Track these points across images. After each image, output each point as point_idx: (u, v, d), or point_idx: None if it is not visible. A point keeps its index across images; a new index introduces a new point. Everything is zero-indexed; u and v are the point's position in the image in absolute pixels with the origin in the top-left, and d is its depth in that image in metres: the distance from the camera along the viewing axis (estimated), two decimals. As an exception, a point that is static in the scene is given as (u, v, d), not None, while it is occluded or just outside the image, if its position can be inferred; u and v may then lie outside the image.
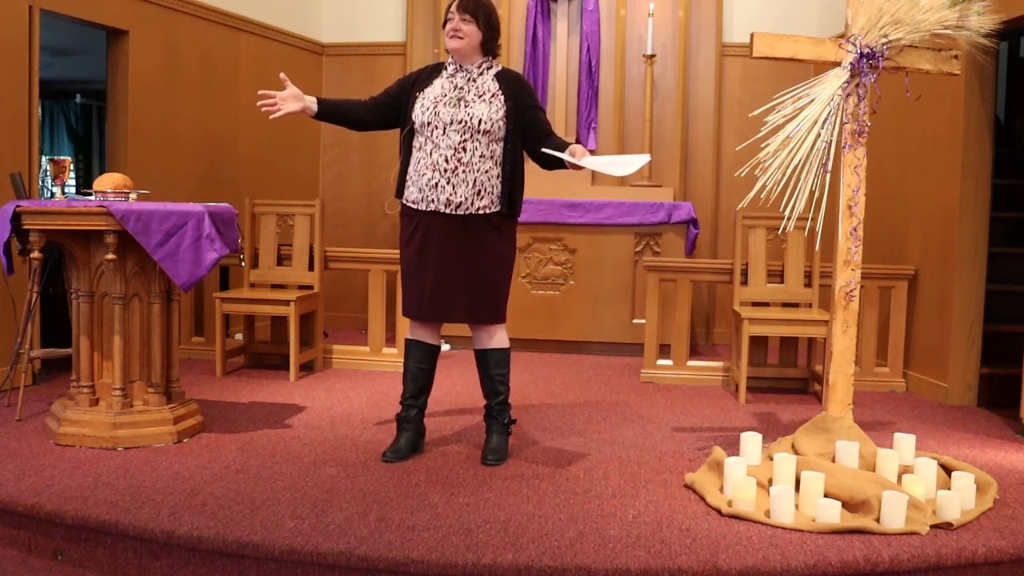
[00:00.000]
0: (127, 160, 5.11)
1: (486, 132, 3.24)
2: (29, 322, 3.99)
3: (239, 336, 5.45)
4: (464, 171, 3.23)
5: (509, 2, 6.43)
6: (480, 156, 3.25)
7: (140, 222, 3.31)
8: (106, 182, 3.61)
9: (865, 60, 3.11)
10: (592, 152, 6.32)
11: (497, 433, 3.42)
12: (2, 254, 3.37)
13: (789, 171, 3.05)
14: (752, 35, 3.13)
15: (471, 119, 3.23)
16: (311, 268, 5.18)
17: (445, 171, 3.23)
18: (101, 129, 10.06)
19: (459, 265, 3.27)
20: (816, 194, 3.08)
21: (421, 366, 3.44)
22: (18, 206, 3.37)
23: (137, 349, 3.58)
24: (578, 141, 6.37)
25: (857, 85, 3.14)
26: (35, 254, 3.38)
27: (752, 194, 3.11)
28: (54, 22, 4.80)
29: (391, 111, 3.41)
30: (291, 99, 3.31)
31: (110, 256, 3.36)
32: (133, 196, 3.53)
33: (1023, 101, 6.08)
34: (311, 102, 3.36)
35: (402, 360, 5.03)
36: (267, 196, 5.57)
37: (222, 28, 5.83)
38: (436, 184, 3.24)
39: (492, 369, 3.39)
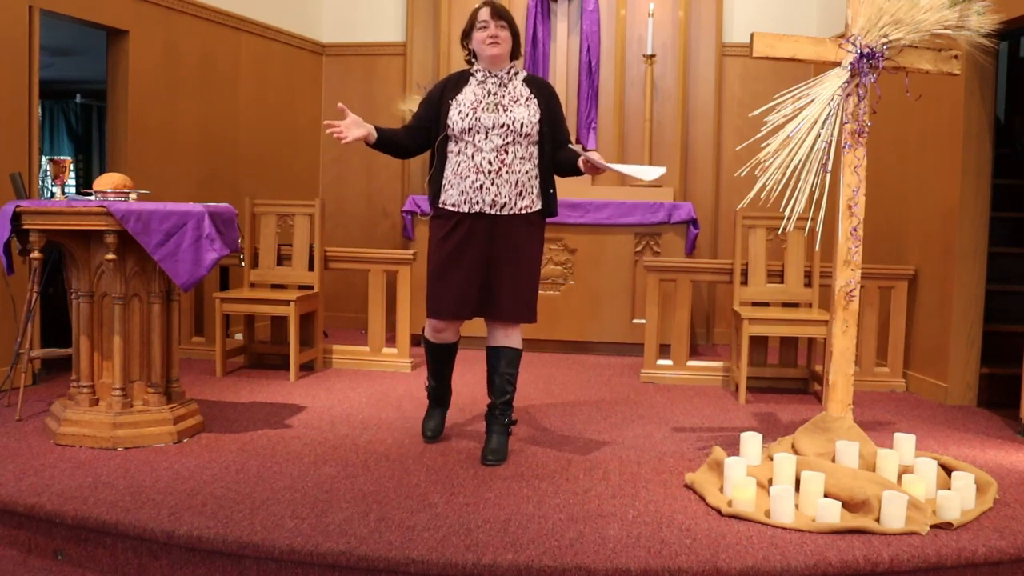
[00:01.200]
0: (127, 160, 5.11)
1: (527, 135, 3.36)
2: (29, 322, 3.99)
3: (239, 336, 5.45)
4: (507, 172, 3.33)
5: (509, 2, 6.42)
6: (520, 158, 3.36)
7: (140, 222, 3.31)
8: (106, 182, 3.61)
9: (865, 60, 3.11)
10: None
11: (497, 433, 3.43)
12: (2, 254, 3.37)
13: (789, 171, 3.05)
14: (752, 35, 3.13)
15: (513, 123, 3.33)
16: (311, 268, 5.18)
17: (489, 173, 3.32)
18: (101, 129, 10.06)
19: (502, 265, 3.35)
20: (816, 194, 3.08)
21: (444, 364, 3.60)
22: (18, 206, 3.37)
23: (137, 349, 3.58)
24: (578, 141, 6.38)
25: (857, 85, 3.14)
26: (35, 254, 3.38)
27: (752, 194, 3.11)
28: (54, 22, 4.80)
29: (427, 133, 3.48)
30: (354, 126, 3.32)
31: (110, 256, 3.36)
32: (133, 196, 3.53)
33: (1023, 101, 6.08)
34: (371, 130, 3.38)
35: (402, 360, 5.14)
36: (267, 196, 5.57)
37: (222, 28, 5.83)
38: (481, 186, 3.32)
39: (503, 368, 3.43)
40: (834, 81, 3.12)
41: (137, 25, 5.11)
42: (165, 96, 5.38)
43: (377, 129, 3.41)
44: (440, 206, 3.41)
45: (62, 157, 3.87)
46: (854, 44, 3.12)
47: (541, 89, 3.44)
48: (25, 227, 3.36)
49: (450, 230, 3.37)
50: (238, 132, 6.05)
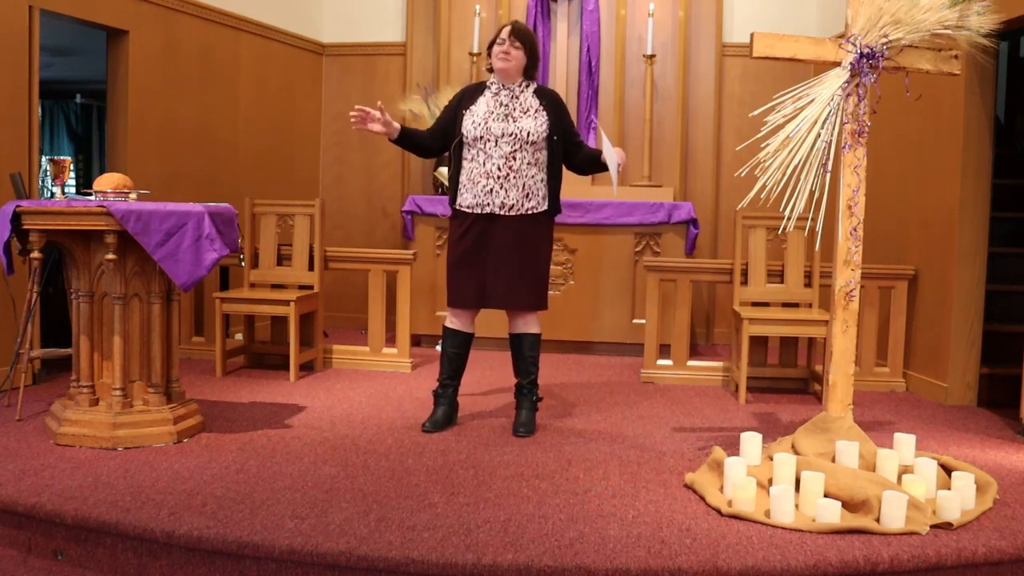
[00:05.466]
0: (127, 160, 5.11)
1: (533, 143, 3.69)
2: (29, 322, 3.99)
3: (239, 336, 5.45)
4: (515, 177, 3.68)
5: (509, 2, 6.43)
6: (528, 164, 3.70)
7: (140, 222, 3.31)
8: (106, 182, 3.61)
9: (865, 60, 3.11)
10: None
11: (526, 409, 3.84)
12: (2, 254, 3.37)
13: (789, 171, 3.05)
14: (752, 35, 3.14)
15: (520, 132, 3.67)
16: (311, 268, 5.18)
17: (499, 178, 3.68)
18: (101, 129, 10.07)
19: (512, 259, 3.71)
20: (816, 194, 3.08)
21: (458, 351, 3.86)
22: (18, 206, 3.37)
23: (137, 349, 3.58)
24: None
25: (857, 85, 3.14)
26: (35, 254, 3.38)
27: (752, 194, 3.11)
28: (54, 22, 4.80)
29: (445, 136, 3.83)
30: (377, 122, 3.64)
31: (110, 256, 3.36)
32: (133, 196, 3.53)
33: (1023, 101, 6.08)
34: (395, 129, 3.72)
35: (402, 360, 5.14)
36: (267, 196, 5.57)
37: (222, 28, 5.83)
38: (491, 190, 3.69)
39: (526, 351, 3.84)
40: (834, 81, 3.12)
41: (137, 25, 5.11)
42: (165, 96, 5.38)
43: (402, 128, 3.75)
44: (457, 207, 3.78)
45: (62, 157, 3.87)
46: (854, 44, 3.12)
47: (550, 100, 3.78)
48: (25, 227, 3.36)
49: (466, 229, 3.74)
50: (238, 132, 6.05)
